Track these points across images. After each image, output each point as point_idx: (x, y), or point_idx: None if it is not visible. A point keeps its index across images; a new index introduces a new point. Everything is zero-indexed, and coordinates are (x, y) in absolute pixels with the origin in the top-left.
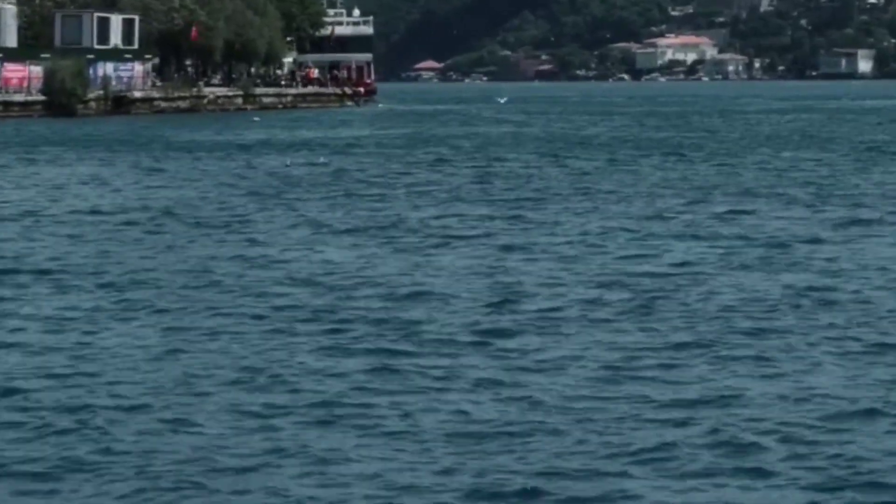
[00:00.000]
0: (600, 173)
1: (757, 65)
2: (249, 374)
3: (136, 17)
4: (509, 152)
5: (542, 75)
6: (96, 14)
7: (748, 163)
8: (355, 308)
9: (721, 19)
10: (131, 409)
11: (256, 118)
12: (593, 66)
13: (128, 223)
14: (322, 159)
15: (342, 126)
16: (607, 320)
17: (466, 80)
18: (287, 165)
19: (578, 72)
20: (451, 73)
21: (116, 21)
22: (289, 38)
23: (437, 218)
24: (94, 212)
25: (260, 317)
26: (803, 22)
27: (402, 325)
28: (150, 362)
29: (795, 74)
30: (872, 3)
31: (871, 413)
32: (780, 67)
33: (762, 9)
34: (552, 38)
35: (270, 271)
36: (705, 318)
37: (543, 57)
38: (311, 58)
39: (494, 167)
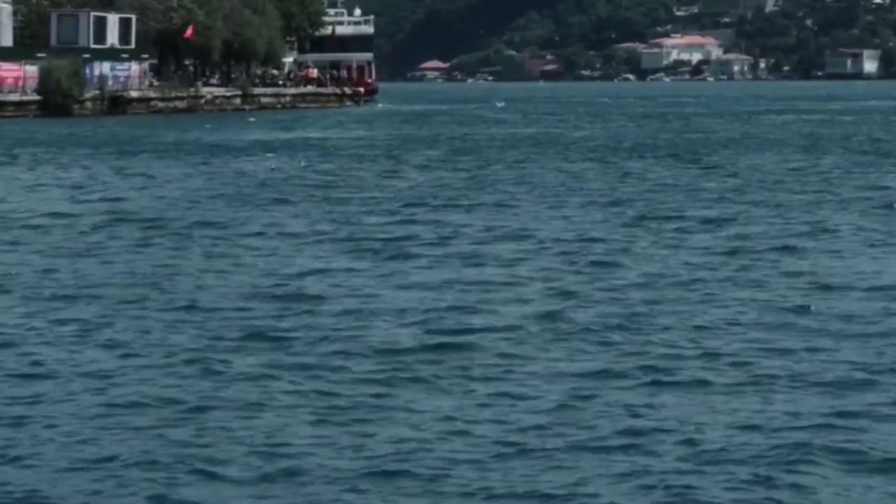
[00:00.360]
0: (582, 178)
1: (762, 65)
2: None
3: (133, 17)
4: (497, 156)
5: (547, 75)
6: (93, 13)
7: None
8: (305, 323)
9: (726, 19)
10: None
11: (252, 119)
12: (598, 66)
13: (75, 229)
14: (274, 165)
15: (337, 127)
16: (571, 333)
17: (470, 81)
18: (272, 169)
19: (584, 72)
20: (457, 73)
21: (113, 20)
22: (289, 38)
23: (394, 224)
24: (49, 215)
25: (203, 332)
26: (809, 22)
27: (352, 338)
28: (76, 382)
29: (801, 75)
30: (878, 4)
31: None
32: (786, 68)
33: (767, 9)
34: (557, 39)
35: (220, 283)
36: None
37: (549, 57)
38: (311, 57)
39: (479, 171)
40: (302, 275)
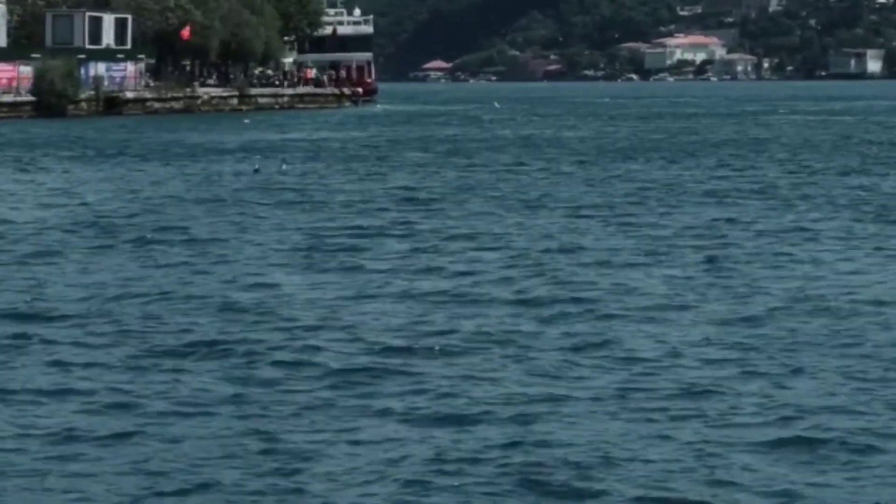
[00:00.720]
0: (565, 183)
1: (766, 65)
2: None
3: (129, 17)
4: (481, 159)
5: (550, 76)
6: (88, 14)
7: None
8: (249, 336)
9: (730, 19)
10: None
11: (247, 120)
12: (602, 66)
13: (30, 234)
14: (257, 166)
15: (330, 128)
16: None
17: (472, 81)
18: (256, 171)
19: (587, 72)
20: (460, 73)
21: (109, 21)
22: (289, 38)
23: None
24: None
25: (151, 345)
26: (812, 22)
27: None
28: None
29: (804, 74)
30: (882, 3)
31: None
32: (790, 67)
33: (771, 9)
34: (561, 38)
35: (174, 293)
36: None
37: (552, 57)
38: (311, 57)
39: (464, 175)
40: (254, 286)
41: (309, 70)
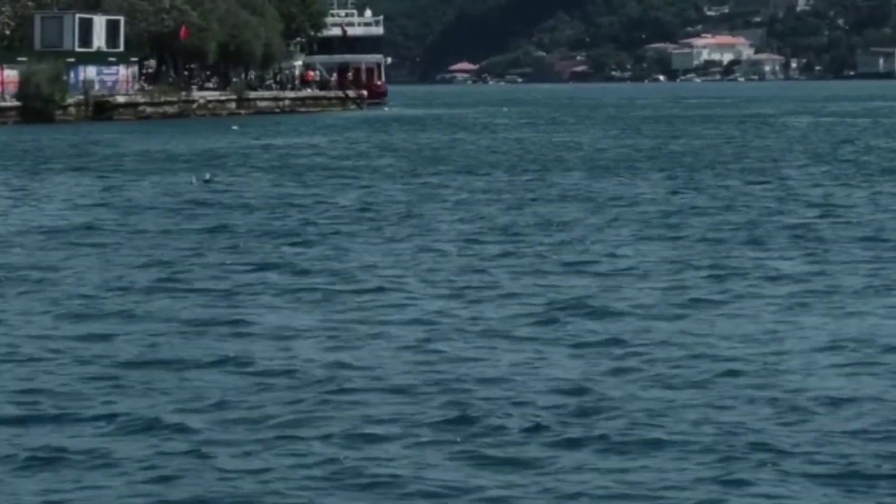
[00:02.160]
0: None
1: (794, 65)
2: None
3: (122, 19)
4: (447, 171)
5: (576, 77)
6: (78, 15)
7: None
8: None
9: (757, 19)
10: None
11: (235, 126)
12: (629, 66)
13: None
14: (194, 180)
15: (319, 133)
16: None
17: (491, 83)
18: (191, 183)
19: (614, 73)
20: (486, 74)
21: (100, 22)
22: (298, 40)
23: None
24: None
25: None
26: (840, 21)
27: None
28: None
29: (833, 74)
30: None
31: None
32: (818, 67)
33: (799, 8)
34: (587, 39)
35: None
36: None
37: (578, 58)
38: (319, 59)
39: (426, 187)
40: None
41: (309, 72)
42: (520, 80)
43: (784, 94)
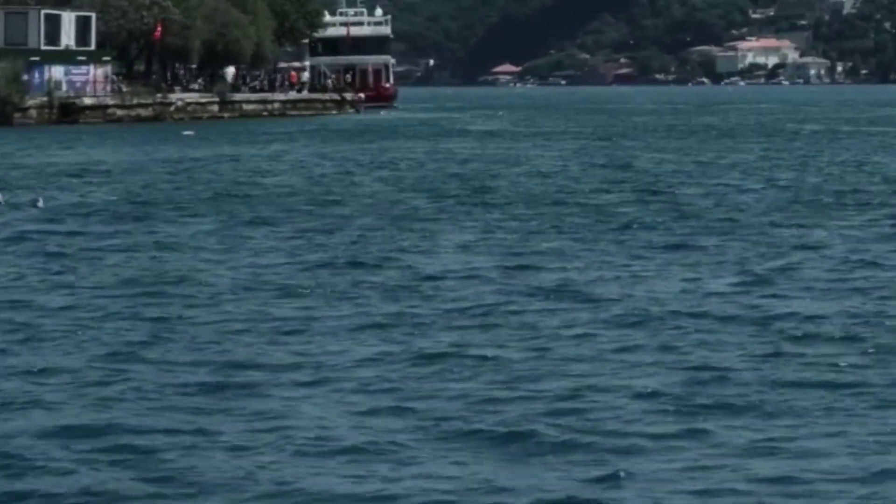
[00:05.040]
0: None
1: (839, 68)
2: None
3: (93, 15)
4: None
5: (620, 79)
6: (44, 11)
7: None
8: None
9: (803, 22)
10: None
11: (188, 132)
12: (673, 69)
13: None
14: (41, 203)
15: (282, 141)
16: None
17: (529, 85)
18: (37, 206)
19: (658, 75)
20: (529, 76)
21: (68, 19)
22: (304, 41)
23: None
24: None
25: None
26: (887, 25)
27: None
28: None
29: (879, 78)
30: None
31: None
32: (864, 71)
33: (845, 11)
34: (632, 42)
35: None
36: None
37: (622, 60)
38: (324, 60)
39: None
40: None
41: (294, 73)
42: (563, 82)
43: (829, 98)
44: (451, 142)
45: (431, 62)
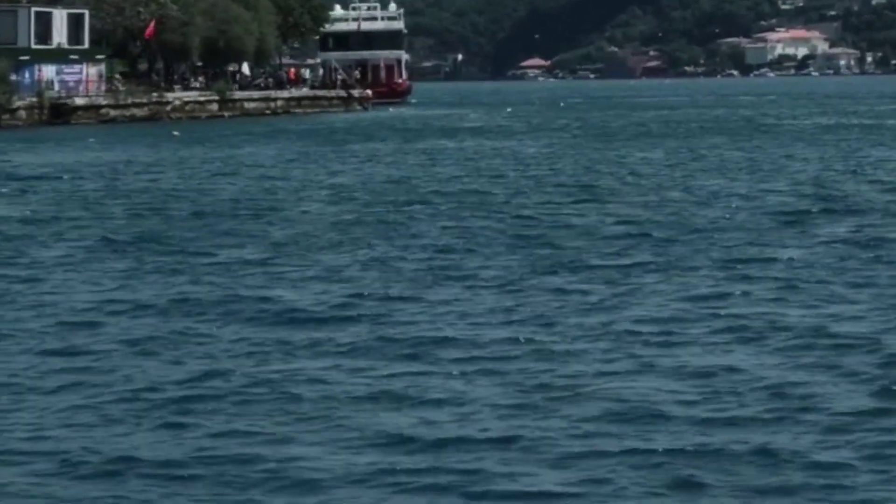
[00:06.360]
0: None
1: (869, 59)
2: None
3: (86, 13)
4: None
5: (649, 72)
6: (34, 9)
7: None
8: None
9: (832, 13)
10: None
11: (176, 132)
12: (702, 61)
13: None
14: None
15: (263, 141)
16: None
17: (540, 80)
18: None
19: (687, 68)
20: (558, 70)
21: (60, 17)
22: (316, 37)
23: None
24: None
25: None
26: None
27: None
28: None
29: None
30: None
31: None
32: (893, 62)
33: (874, 1)
34: (660, 34)
35: None
36: None
37: (651, 53)
38: (335, 56)
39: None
40: None
41: (292, 69)
42: (592, 76)
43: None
44: (427, 141)
45: (460, 57)
